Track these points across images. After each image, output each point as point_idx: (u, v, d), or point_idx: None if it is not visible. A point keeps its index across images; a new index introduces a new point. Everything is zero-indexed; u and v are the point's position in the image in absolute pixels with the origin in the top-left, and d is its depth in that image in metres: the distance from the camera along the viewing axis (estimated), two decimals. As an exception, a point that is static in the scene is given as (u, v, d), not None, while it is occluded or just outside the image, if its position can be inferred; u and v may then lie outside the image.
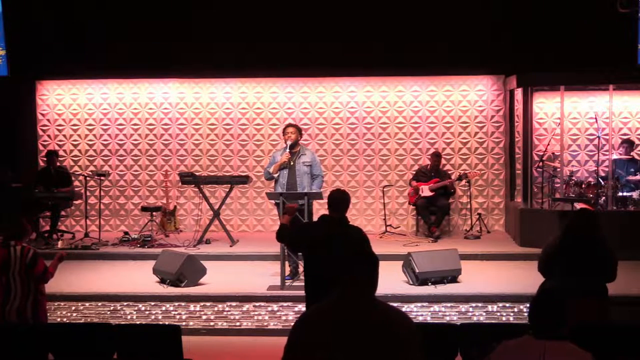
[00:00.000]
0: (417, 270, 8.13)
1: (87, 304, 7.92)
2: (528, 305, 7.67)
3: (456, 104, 11.54)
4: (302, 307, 7.36)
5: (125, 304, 7.90)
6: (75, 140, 11.85)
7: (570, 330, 3.42)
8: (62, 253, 6.29)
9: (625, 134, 11.10)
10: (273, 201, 9.37)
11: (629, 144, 10.55)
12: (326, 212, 5.58)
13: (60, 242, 10.24)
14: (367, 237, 5.48)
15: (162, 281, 8.42)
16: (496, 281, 8.42)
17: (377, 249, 4.37)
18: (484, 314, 7.62)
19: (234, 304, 7.83)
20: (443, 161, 11.29)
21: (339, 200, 5.53)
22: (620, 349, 4.82)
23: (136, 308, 7.86)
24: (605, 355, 4.38)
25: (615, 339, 4.89)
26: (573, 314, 3.51)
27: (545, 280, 5.73)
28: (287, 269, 8.32)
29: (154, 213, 11.03)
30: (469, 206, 11.29)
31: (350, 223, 5.60)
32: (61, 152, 11.69)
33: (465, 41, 10.68)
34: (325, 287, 3.62)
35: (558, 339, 3.34)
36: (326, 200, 5.59)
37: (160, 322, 7.56)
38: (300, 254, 6.98)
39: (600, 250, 5.60)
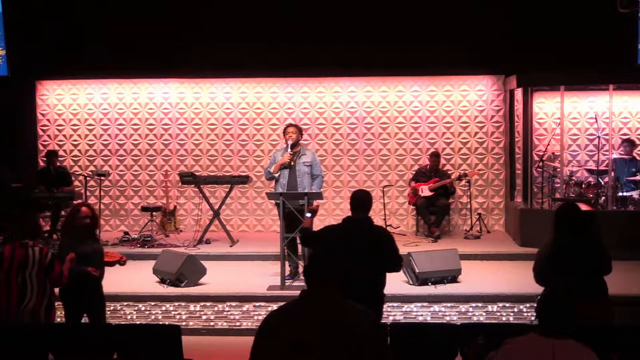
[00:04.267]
0: (417, 270, 8.14)
1: (87, 304, 7.92)
2: (529, 305, 7.65)
3: (456, 104, 11.54)
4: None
5: (125, 304, 7.90)
6: (75, 140, 11.85)
7: (574, 331, 3.46)
8: (73, 257, 6.03)
9: (625, 134, 11.10)
10: (273, 201, 9.37)
11: (629, 143, 10.55)
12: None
13: (60, 242, 10.24)
14: (391, 237, 5.52)
15: (162, 281, 8.42)
16: (496, 281, 8.42)
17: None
18: (484, 314, 7.62)
19: (234, 304, 7.83)
20: (443, 161, 11.30)
21: (363, 201, 5.56)
22: (622, 349, 4.81)
23: (136, 308, 7.86)
24: (606, 355, 4.37)
25: (616, 339, 4.88)
26: (576, 315, 3.54)
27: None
28: (287, 269, 8.32)
29: (154, 213, 11.02)
30: (469, 206, 11.29)
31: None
32: (61, 152, 11.69)
33: (465, 41, 10.69)
34: (346, 286, 3.56)
35: (564, 337, 3.38)
36: (347, 202, 5.55)
37: (160, 322, 7.56)
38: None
39: (593, 246, 5.51)
